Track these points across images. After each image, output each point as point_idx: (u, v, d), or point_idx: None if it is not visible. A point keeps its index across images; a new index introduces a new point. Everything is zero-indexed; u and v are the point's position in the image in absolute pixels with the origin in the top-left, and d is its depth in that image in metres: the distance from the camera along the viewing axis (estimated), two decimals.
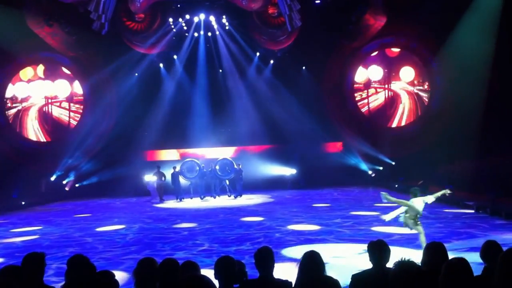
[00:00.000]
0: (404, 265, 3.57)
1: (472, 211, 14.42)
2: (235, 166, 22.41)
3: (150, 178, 22.84)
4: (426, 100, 25.70)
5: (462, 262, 3.75)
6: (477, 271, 3.90)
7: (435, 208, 15.39)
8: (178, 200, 21.61)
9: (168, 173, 22.37)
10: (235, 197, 21.95)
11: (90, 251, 10.77)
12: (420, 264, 4.12)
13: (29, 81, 26.41)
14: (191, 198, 22.06)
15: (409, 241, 10.41)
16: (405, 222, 9.45)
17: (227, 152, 24.69)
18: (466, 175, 17.28)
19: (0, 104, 25.94)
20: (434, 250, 4.39)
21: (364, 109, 26.40)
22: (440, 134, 22.29)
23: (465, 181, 16.54)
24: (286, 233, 12.19)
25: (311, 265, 4.12)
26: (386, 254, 4.50)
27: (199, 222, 14.89)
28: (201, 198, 21.97)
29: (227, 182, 22.71)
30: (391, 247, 4.59)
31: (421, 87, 25.93)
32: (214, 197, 22.15)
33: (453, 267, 3.72)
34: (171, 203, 20.94)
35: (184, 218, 16.10)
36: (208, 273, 3.61)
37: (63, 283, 4.25)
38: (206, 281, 3.21)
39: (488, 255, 4.32)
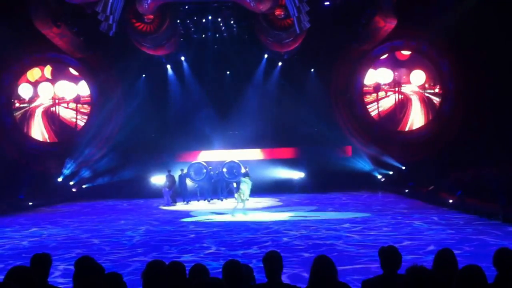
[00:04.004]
0: (417, 272, 3.46)
1: (484, 217, 14.20)
2: (243, 169, 22.30)
3: (159, 180, 22.83)
4: (437, 104, 25.46)
5: (476, 269, 3.65)
6: (489, 279, 3.78)
7: (446, 214, 15.25)
8: (185, 202, 21.53)
9: (175, 175, 22.33)
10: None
11: (96, 252, 10.69)
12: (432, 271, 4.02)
13: (36, 81, 26.49)
14: (198, 201, 21.99)
15: (419, 248, 10.26)
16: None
17: (235, 155, 24.51)
18: (477, 181, 17.04)
19: (7, 105, 26.01)
20: (444, 257, 4.31)
21: (373, 113, 26.20)
22: (451, 139, 22.06)
23: (476, 187, 16.30)
24: (294, 237, 12.05)
25: (323, 271, 4.00)
26: (397, 260, 4.42)
27: (206, 225, 14.79)
28: (208, 201, 21.89)
29: (235, 185, 22.60)
30: (402, 253, 4.49)
31: (432, 91, 25.68)
32: (221, 200, 22.06)
33: (467, 274, 3.63)
34: (178, 206, 20.88)
35: (191, 221, 16.01)
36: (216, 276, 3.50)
37: (70, 285, 4.18)
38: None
39: (501, 262, 4.19)
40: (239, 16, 22.64)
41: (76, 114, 26.73)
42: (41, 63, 26.28)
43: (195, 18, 22.69)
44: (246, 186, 17.19)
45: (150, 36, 20.97)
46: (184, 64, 26.38)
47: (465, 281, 3.58)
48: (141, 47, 22.16)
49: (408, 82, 25.81)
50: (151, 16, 20.40)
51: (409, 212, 16.07)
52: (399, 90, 26.00)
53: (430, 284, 3.41)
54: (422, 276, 3.38)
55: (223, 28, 23.85)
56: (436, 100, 25.52)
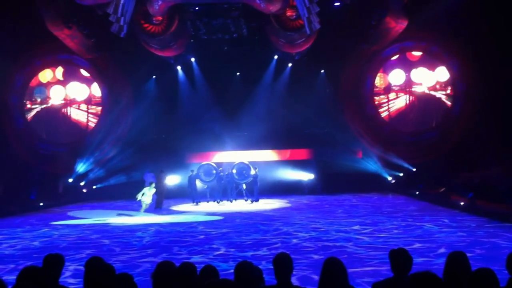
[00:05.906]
0: (423, 277, 3.42)
1: (496, 220, 14.07)
2: (252, 171, 22.30)
3: (170, 181, 22.98)
4: (448, 105, 25.27)
5: (489, 273, 3.61)
6: (501, 282, 3.74)
7: (457, 217, 15.12)
8: (195, 203, 21.57)
9: (185, 176, 22.38)
10: (252, 201, 21.84)
11: (106, 253, 10.74)
12: (442, 274, 4.00)
13: (48, 83, 26.68)
14: (208, 202, 22.01)
15: (430, 250, 10.19)
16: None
17: (244, 156, 24.49)
18: (488, 183, 16.92)
19: (19, 106, 26.22)
20: (456, 260, 4.26)
21: (384, 114, 26.07)
22: (462, 140, 21.91)
23: (487, 189, 16.18)
24: (303, 239, 12.02)
25: (333, 273, 3.98)
26: (407, 263, 4.38)
27: (215, 226, 14.81)
28: (218, 202, 21.91)
29: (244, 186, 22.60)
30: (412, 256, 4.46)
31: (443, 92, 25.52)
32: (231, 201, 22.07)
33: (480, 277, 3.58)
34: (187, 207, 20.91)
35: (201, 222, 16.04)
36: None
37: (81, 286, 4.20)
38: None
39: None
40: (249, 17, 22.62)
41: (87, 115, 26.90)
42: (52, 65, 26.48)
43: (205, 19, 22.71)
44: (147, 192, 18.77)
45: (158, 37, 21.03)
46: (194, 65, 26.46)
47: (477, 285, 3.54)
48: (149, 48, 22.26)
49: (419, 83, 25.69)
50: (160, 18, 20.46)
51: (420, 214, 15.94)
52: (410, 91, 25.87)
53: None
54: (428, 281, 3.33)
55: (233, 29, 23.85)
56: (446, 101, 25.35)
